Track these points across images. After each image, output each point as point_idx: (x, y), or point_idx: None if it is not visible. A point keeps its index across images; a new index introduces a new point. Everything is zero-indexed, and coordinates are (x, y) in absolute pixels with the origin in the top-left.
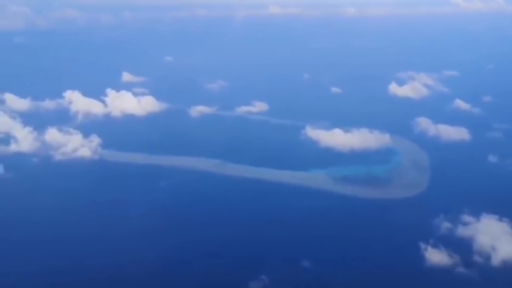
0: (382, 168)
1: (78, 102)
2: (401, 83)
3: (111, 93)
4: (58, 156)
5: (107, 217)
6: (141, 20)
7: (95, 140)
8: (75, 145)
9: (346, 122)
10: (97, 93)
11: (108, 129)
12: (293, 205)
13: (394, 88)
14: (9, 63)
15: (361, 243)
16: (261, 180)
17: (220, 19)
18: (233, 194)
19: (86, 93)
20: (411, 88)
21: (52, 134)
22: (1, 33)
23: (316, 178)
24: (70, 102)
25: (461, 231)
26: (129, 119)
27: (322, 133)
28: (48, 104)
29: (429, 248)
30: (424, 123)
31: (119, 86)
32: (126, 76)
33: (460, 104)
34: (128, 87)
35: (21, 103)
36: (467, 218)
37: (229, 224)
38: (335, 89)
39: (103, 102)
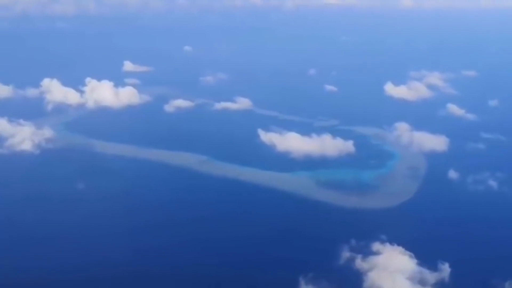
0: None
1: (54, 92)
2: (405, 82)
3: (90, 83)
4: None
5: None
6: (193, 6)
7: (47, 132)
8: (22, 137)
9: (319, 123)
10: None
11: (72, 121)
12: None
13: (389, 89)
14: (34, 48)
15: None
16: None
17: (271, 8)
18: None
19: (70, 83)
20: (408, 89)
21: (2, 125)
22: (48, 17)
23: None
24: (48, 92)
25: (359, 263)
26: (100, 111)
27: (275, 136)
28: (28, 92)
29: (303, 284)
30: (401, 129)
31: (114, 76)
32: (128, 66)
33: (454, 109)
34: (123, 77)
35: (1, 91)
36: (377, 247)
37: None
38: (330, 87)
39: (81, 92)
